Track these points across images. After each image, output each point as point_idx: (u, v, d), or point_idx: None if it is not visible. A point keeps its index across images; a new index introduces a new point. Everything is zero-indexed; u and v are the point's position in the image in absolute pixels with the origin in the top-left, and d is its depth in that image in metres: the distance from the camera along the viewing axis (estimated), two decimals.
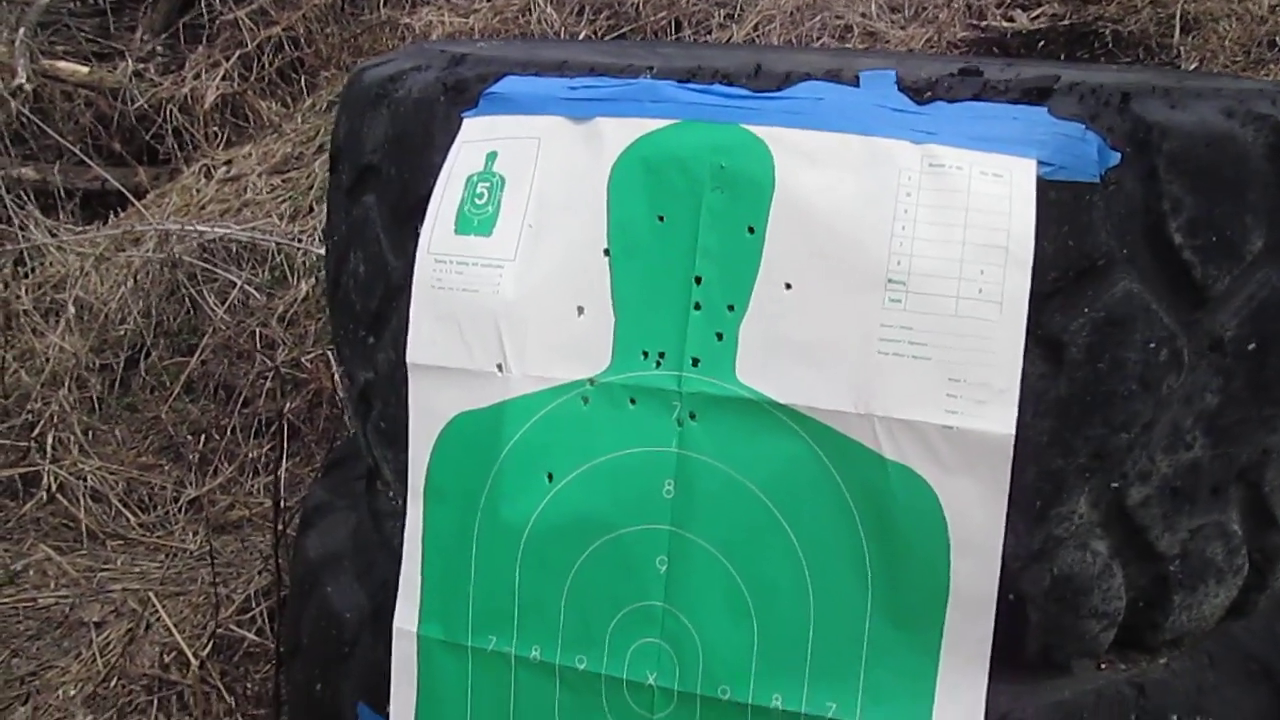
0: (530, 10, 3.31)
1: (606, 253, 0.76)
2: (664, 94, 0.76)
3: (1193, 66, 2.95)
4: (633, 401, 0.76)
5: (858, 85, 0.77)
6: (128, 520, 1.98)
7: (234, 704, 1.49)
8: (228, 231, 2.57)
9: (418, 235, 0.92)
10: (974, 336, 0.69)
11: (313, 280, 2.56)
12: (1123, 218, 0.75)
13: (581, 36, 3.24)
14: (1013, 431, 0.68)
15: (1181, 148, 0.75)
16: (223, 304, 2.51)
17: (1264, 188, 0.77)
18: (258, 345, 2.34)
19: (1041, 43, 3.41)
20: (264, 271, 2.67)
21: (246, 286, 2.49)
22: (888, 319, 0.70)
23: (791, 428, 0.72)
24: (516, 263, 0.78)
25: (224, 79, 3.73)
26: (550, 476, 0.77)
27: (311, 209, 2.82)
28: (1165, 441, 0.80)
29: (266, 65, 3.79)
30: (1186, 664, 0.92)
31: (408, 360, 0.82)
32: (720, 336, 0.74)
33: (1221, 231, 0.76)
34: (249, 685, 1.54)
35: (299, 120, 3.34)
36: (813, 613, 0.72)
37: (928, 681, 0.71)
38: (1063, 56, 3.28)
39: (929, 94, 0.77)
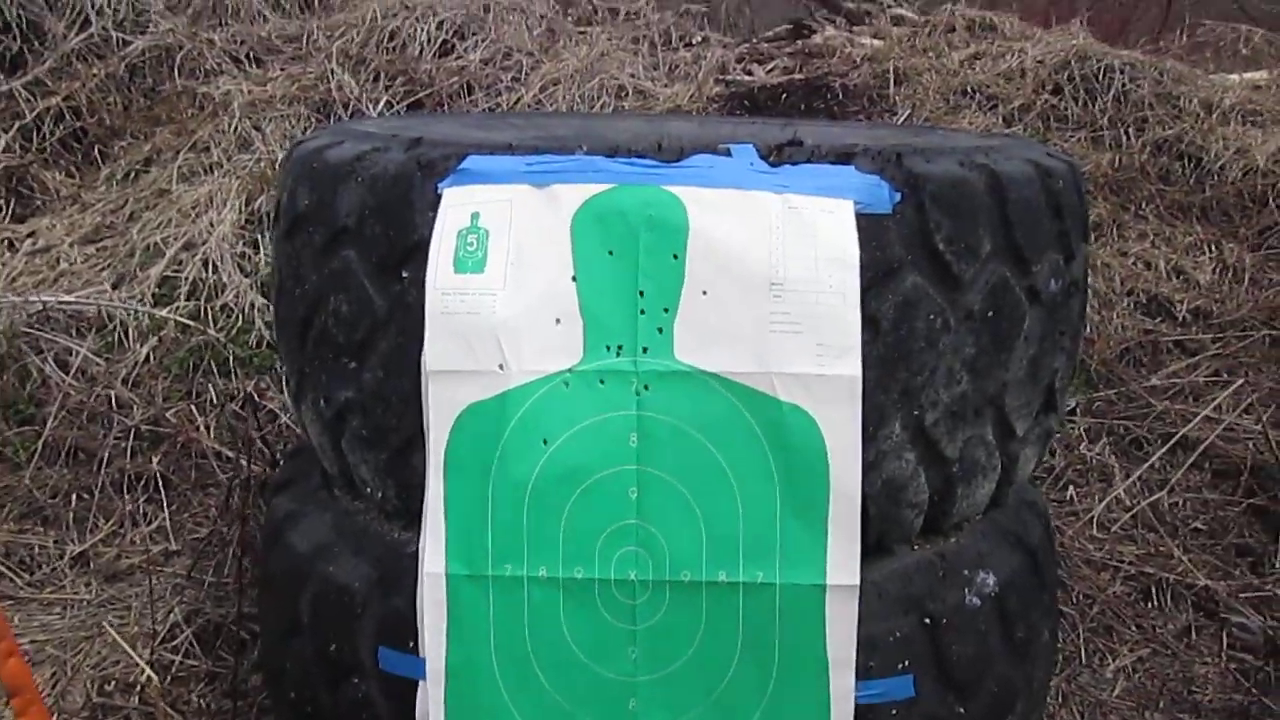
0: (329, 78, 3.52)
1: (574, 279, 1.08)
2: (602, 166, 1.09)
3: (906, 113, 3.57)
4: (602, 382, 1.07)
5: (730, 155, 1.12)
6: (14, 581, 2.05)
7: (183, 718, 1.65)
8: (66, 300, 2.63)
9: (401, 279, 1.19)
10: (829, 317, 1.06)
11: (154, 342, 2.67)
12: (907, 236, 1.14)
13: (382, 103, 3.49)
14: (859, 373, 1.06)
15: (938, 189, 1.15)
16: (62, 372, 2.57)
17: (987, 211, 1.19)
18: (114, 406, 2.44)
19: (784, 95, 3.98)
20: (90, 337, 2.74)
21: (89, 354, 2.57)
22: (774, 309, 1.05)
23: (716, 388, 1.06)
24: (506, 290, 1.08)
25: (5, 151, 3.68)
26: (545, 441, 1.07)
27: (136, 275, 2.91)
28: (944, 381, 1.19)
29: (48, 136, 3.77)
30: (968, 539, 1.33)
31: (426, 369, 1.10)
32: (661, 331, 1.07)
33: (966, 241, 1.17)
34: (191, 703, 1.70)
35: (103, 189, 3.38)
36: (741, 513, 1.06)
37: (821, 549, 1.07)
38: (803, 107, 3.85)
39: (778, 159, 1.14)
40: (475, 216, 1.10)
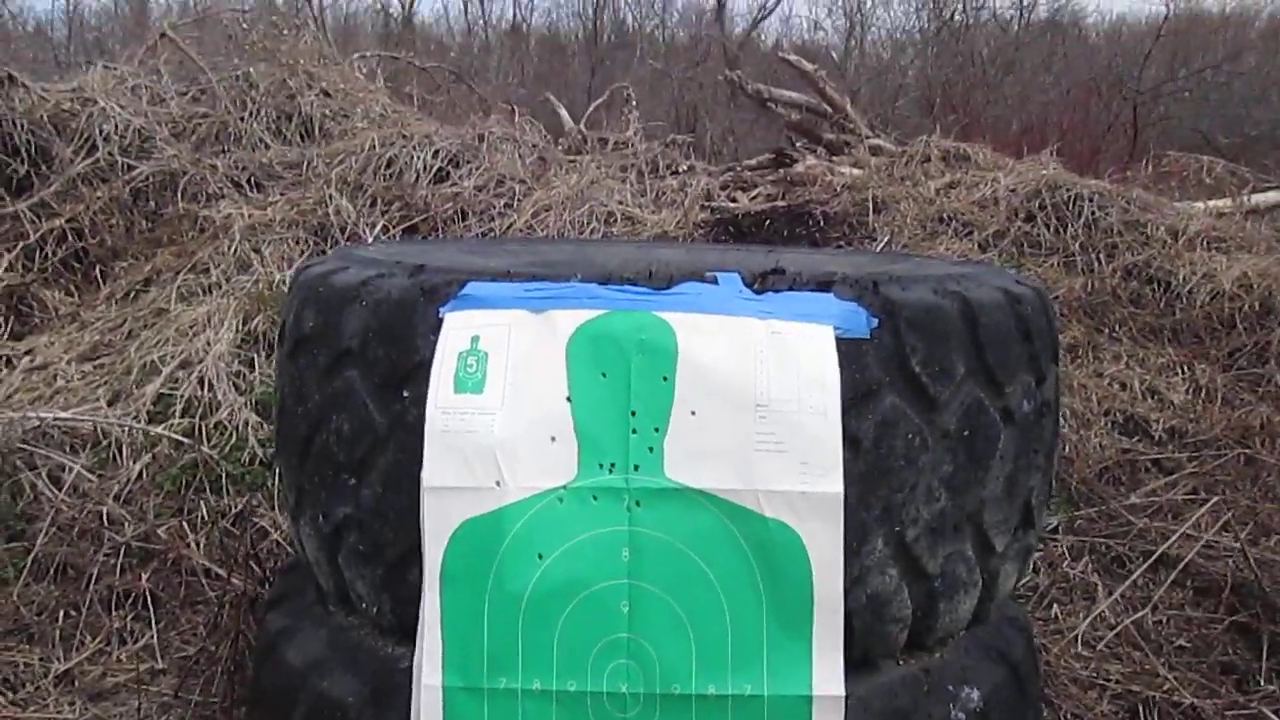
0: (327, 203, 3.63)
1: (568, 400, 1.13)
2: (596, 293, 1.16)
3: (885, 239, 3.70)
4: (595, 498, 1.12)
5: (717, 283, 1.19)
6: None
7: None
8: (62, 416, 2.67)
9: (402, 398, 1.25)
10: (811, 437, 1.11)
11: (148, 459, 2.69)
12: (884, 359, 1.21)
13: (378, 227, 3.61)
14: (841, 491, 1.10)
15: (913, 315, 1.22)
16: (54, 488, 2.58)
17: (960, 336, 1.26)
18: (105, 522, 2.45)
19: (767, 222, 4.12)
20: (84, 453, 2.76)
21: (83, 471, 2.59)
22: (760, 429, 1.11)
23: (704, 504, 1.10)
24: (504, 410, 1.13)
25: (7, 270, 3.76)
26: (540, 556, 1.11)
27: (132, 392, 2.95)
28: (924, 498, 1.24)
29: (50, 256, 3.86)
30: (952, 655, 1.36)
31: (424, 485, 1.14)
32: (651, 449, 1.12)
33: (941, 364, 1.23)
34: None
35: (102, 308, 3.45)
36: (729, 625, 1.09)
37: (806, 661, 1.10)
38: (786, 233, 3.98)
39: (762, 286, 1.21)
40: (475, 339, 1.16)
